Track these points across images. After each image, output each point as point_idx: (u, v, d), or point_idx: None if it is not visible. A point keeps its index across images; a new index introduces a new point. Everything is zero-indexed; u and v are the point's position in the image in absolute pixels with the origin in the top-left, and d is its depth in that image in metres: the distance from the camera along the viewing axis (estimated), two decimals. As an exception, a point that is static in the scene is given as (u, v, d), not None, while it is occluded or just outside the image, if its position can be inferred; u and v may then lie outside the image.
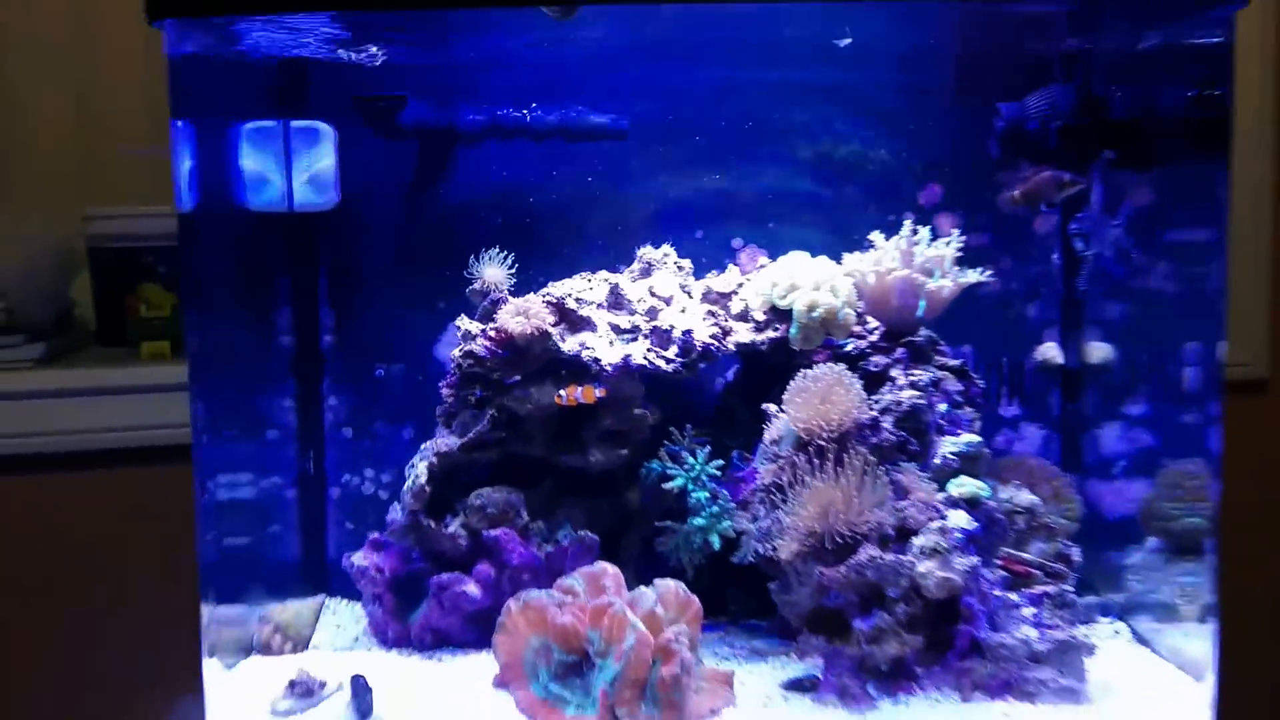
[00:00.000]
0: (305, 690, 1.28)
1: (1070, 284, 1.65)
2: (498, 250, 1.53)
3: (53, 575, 1.68)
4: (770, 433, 1.44)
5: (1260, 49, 1.95)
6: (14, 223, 1.71)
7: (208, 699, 1.29)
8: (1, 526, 1.66)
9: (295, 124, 1.52)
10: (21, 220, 1.71)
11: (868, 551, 1.30)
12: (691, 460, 1.46)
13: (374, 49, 1.44)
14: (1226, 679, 1.33)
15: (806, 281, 1.49)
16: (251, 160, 1.46)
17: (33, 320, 1.69)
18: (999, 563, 1.37)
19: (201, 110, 1.31)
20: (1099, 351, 1.65)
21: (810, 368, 1.41)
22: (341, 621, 1.53)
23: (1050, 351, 1.68)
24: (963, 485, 1.38)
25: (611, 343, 1.49)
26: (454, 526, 1.45)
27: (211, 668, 1.31)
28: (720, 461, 1.47)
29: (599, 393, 1.43)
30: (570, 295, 1.50)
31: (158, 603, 1.67)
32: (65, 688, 1.70)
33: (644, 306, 1.53)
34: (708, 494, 1.45)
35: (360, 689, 1.26)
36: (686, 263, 1.60)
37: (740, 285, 1.56)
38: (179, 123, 1.26)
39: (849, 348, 1.50)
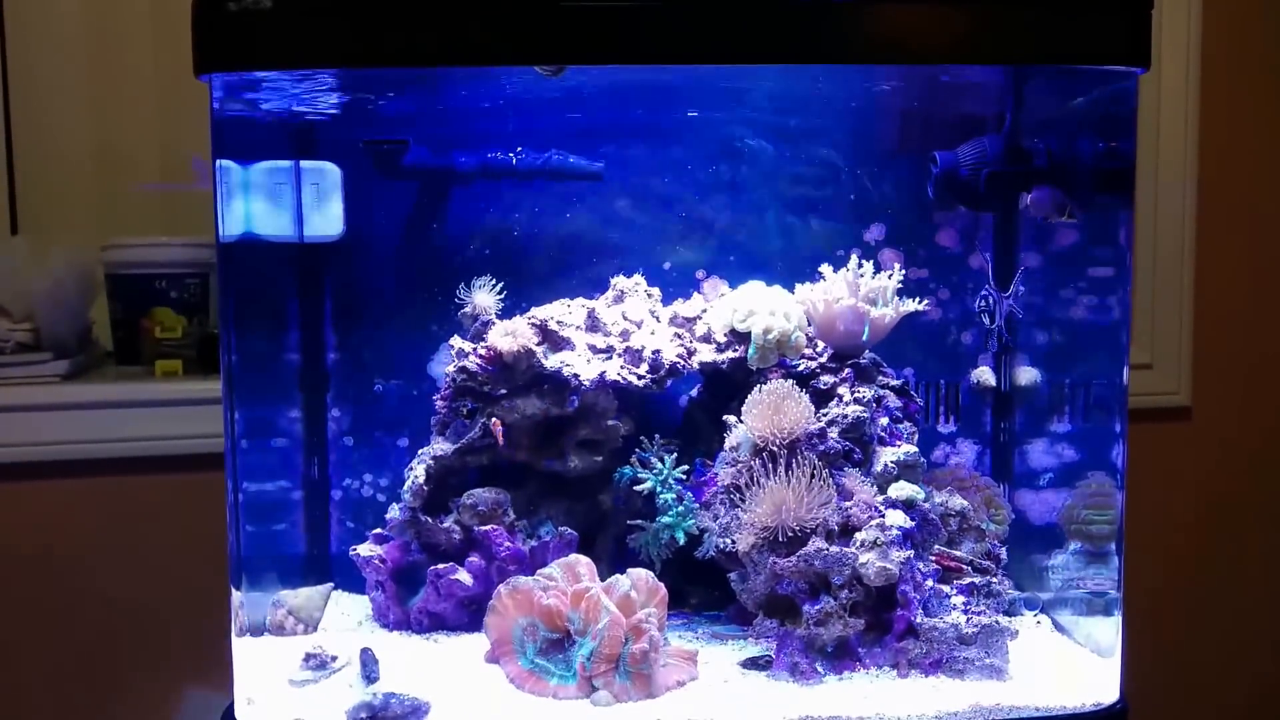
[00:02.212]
0: (319, 663, 1.38)
1: (1003, 312, 1.71)
2: (487, 278, 1.61)
3: (72, 565, 1.78)
4: (730, 440, 1.54)
5: (1185, 87, 2.06)
6: (41, 252, 1.79)
7: (236, 673, 1.37)
8: (28, 523, 1.76)
9: (305, 164, 1.60)
10: (48, 250, 1.79)
11: (815, 544, 1.41)
12: (660, 465, 1.57)
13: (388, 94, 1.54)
14: (1132, 661, 1.45)
15: (763, 308, 1.59)
16: (270, 196, 1.55)
17: (58, 340, 1.78)
18: (933, 558, 1.47)
19: (235, 153, 1.41)
20: (1027, 375, 1.74)
21: (765, 384, 1.52)
22: (346, 609, 1.61)
23: (984, 374, 1.76)
24: (901, 489, 1.48)
25: (589, 361, 1.58)
26: (448, 522, 1.54)
27: (239, 646, 1.39)
28: (686, 467, 1.57)
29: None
30: (552, 318, 1.59)
31: (166, 592, 1.78)
32: (84, 676, 1.79)
33: (618, 329, 1.62)
34: (674, 495, 1.55)
35: (368, 660, 1.37)
36: (655, 291, 1.69)
37: (704, 311, 1.66)
38: (219, 163, 1.36)
39: (800, 367, 1.60)
